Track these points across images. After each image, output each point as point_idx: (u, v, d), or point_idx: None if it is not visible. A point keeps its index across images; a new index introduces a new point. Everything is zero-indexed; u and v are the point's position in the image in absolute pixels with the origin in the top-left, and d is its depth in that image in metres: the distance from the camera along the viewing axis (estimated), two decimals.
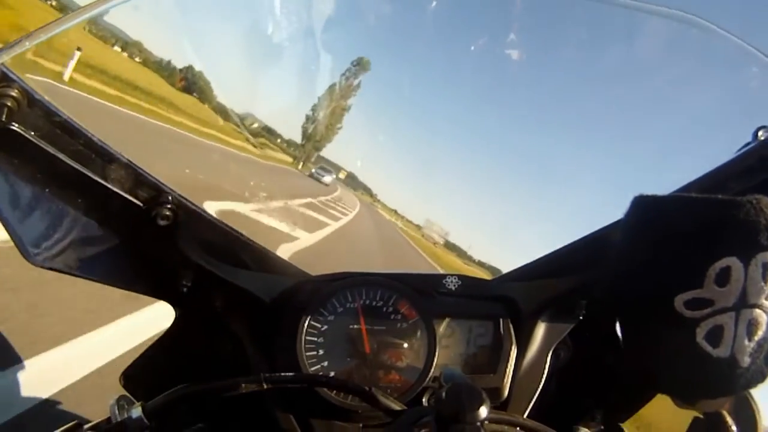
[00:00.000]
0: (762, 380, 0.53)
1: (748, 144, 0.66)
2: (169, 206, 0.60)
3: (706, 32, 0.69)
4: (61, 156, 0.53)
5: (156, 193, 0.60)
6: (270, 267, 0.71)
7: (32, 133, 0.51)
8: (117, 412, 0.52)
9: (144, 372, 0.70)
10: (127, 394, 0.55)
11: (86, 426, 0.52)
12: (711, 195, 0.49)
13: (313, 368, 0.64)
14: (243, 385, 0.56)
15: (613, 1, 0.79)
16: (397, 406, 0.58)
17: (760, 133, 0.65)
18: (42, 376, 1.92)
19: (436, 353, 0.67)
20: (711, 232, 0.48)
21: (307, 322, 0.66)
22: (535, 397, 0.69)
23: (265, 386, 0.55)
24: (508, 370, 0.68)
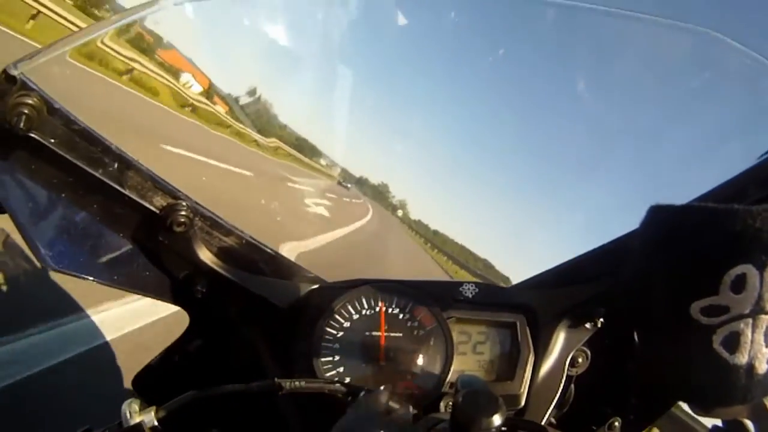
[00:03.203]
0: None
1: None
2: (184, 213, 0.60)
3: (722, 46, 0.69)
4: (79, 163, 0.53)
5: (172, 199, 0.60)
6: (285, 273, 0.70)
7: (51, 140, 0.50)
8: (129, 416, 0.51)
9: (156, 376, 0.69)
10: (139, 399, 0.54)
11: (97, 431, 0.51)
12: (728, 205, 0.48)
13: (328, 374, 0.64)
14: (257, 389, 0.55)
15: (633, 15, 0.79)
16: (411, 414, 0.58)
17: None
18: None
19: (453, 360, 0.66)
20: (727, 241, 0.48)
21: (323, 328, 0.65)
22: (552, 405, 0.68)
23: (280, 390, 0.55)
24: (525, 378, 0.68)
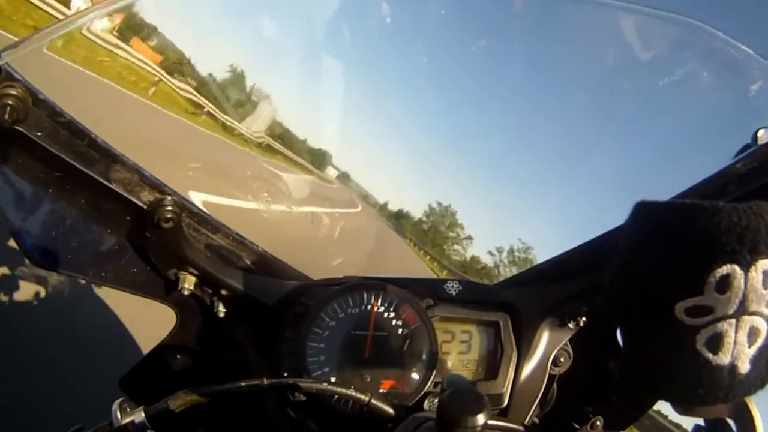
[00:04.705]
0: (762, 387, 0.52)
1: (748, 146, 0.66)
2: (171, 208, 0.59)
3: (704, 35, 0.70)
4: (65, 157, 0.52)
5: (159, 195, 0.60)
6: (272, 270, 0.70)
7: (37, 133, 0.50)
8: (119, 416, 0.50)
9: (144, 377, 0.69)
10: (128, 399, 0.54)
11: (88, 431, 0.51)
12: (713, 201, 0.49)
13: (315, 374, 0.64)
14: (245, 389, 0.55)
15: (613, 3, 0.80)
16: (397, 413, 0.58)
17: (760, 133, 0.64)
18: None
19: (437, 360, 0.67)
20: (712, 238, 0.47)
21: (309, 328, 0.65)
22: (535, 404, 0.69)
23: (267, 389, 0.55)
24: (508, 377, 0.68)
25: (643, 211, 0.54)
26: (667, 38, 0.83)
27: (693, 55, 0.82)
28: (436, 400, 0.65)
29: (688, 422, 0.65)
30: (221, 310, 0.67)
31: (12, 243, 0.54)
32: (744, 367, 0.50)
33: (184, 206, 0.62)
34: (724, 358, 0.49)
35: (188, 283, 0.64)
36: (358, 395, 0.57)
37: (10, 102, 0.46)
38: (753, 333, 0.49)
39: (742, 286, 0.47)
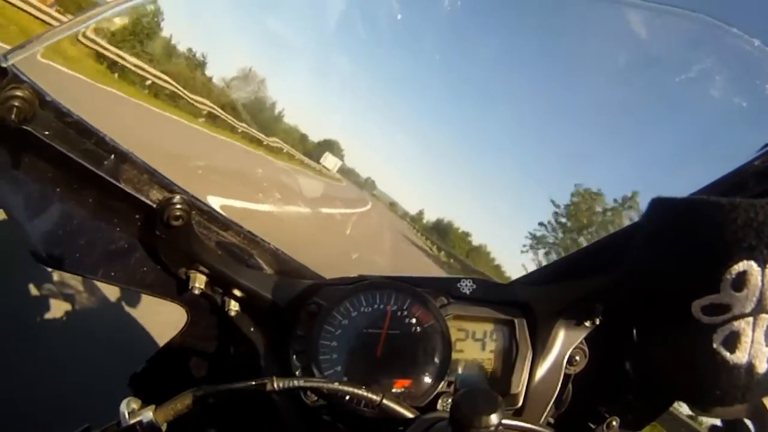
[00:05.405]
0: None
1: None
2: (180, 206, 0.59)
3: (719, 32, 0.69)
4: (73, 156, 0.52)
5: (168, 193, 0.59)
6: (284, 269, 0.70)
7: (45, 133, 0.50)
8: (127, 415, 0.50)
9: (154, 375, 0.69)
10: (137, 398, 0.54)
11: (96, 430, 0.51)
12: (730, 198, 0.47)
13: (327, 372, 0.63)
14: (255, 388, 0.55)
15: (628, 1, 0.78)
16: (409, 413, 0.58)
17: None
18: None
19: (450, 358, 0.66)
20: (728, 235, 0.47)
21: (321, 326, 0.65)
22: (550, 404, 0.68)
23: (277, 389, 0.55)
24: (523, 376, 0.67)
25: (660, 207, 0.54)
26: (681, 35, 0.81)
27: (708, 52, 0.80)
28: (450, 400, 0.64)
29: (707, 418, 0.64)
30: (232, 309, 0.67)
31: (21, 243, 0.54)
32: (761, 366, 0.49)
33: (194, 204, 0.62)
34: (741, 357, 0.49)
35: (199, 282, 0.64)
36: (370, 395, 0.57)
37: (16, 103, 0.46)
38: None
39: (759, 283, 0.47)
